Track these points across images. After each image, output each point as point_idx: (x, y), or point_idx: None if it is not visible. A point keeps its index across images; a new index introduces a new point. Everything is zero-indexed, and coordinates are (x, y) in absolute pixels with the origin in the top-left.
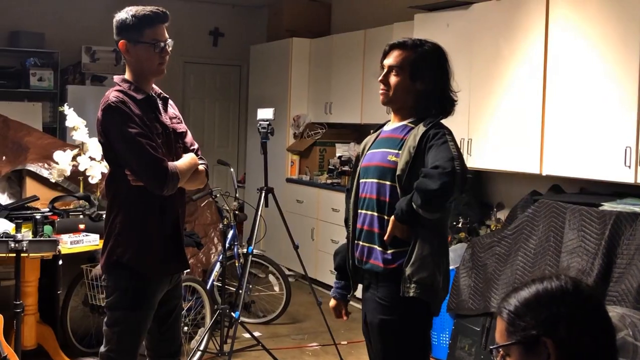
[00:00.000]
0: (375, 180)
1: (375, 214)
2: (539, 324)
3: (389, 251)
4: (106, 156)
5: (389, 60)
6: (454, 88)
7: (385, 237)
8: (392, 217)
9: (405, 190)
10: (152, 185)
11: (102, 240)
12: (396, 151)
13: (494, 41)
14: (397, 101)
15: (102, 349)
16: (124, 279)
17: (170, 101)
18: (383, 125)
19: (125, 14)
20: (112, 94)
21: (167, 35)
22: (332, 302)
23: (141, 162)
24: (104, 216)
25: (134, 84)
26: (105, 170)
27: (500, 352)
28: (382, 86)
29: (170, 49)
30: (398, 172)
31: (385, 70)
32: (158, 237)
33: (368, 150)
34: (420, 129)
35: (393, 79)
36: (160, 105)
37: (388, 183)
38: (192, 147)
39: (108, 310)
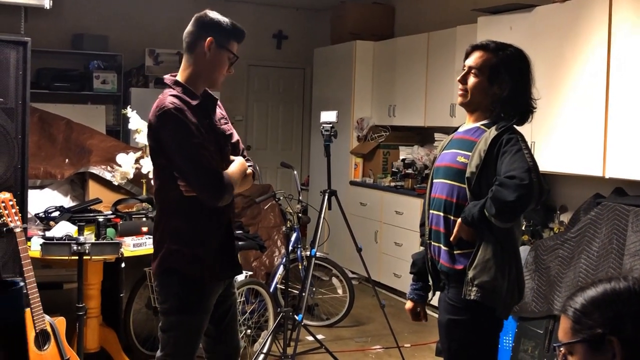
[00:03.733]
0: (444, 181)
1: (442, 214)
2: (605, 322)
3: (455, 252)
4: (155, 161)
5: (470, 61)
6: (534, 95)
7: (452, 238)
8: (459, 219)
9: (474, 193)
10: (209, 198)
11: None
12: (466, 152)
13: (557, 44)
14: (474, 103)
15: (159, 353)
16: (177, 285)
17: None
18: (459, 127)
19: (222, 17)
20: (168, 99)
21: None
22: (409, 304)
23: (198, 175)
24: None
25: (187, 87)
26: None
27: (562, 350)
28: (460, 86)
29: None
30: (467, 175)
31: (465, 70)
32: (210, 243)
33: (442, 151)
34: (492, 132)
35: (471, 80)
36: (214, 109)
37: (456, 184)
38: (238, 148)
39: (162, 316)
